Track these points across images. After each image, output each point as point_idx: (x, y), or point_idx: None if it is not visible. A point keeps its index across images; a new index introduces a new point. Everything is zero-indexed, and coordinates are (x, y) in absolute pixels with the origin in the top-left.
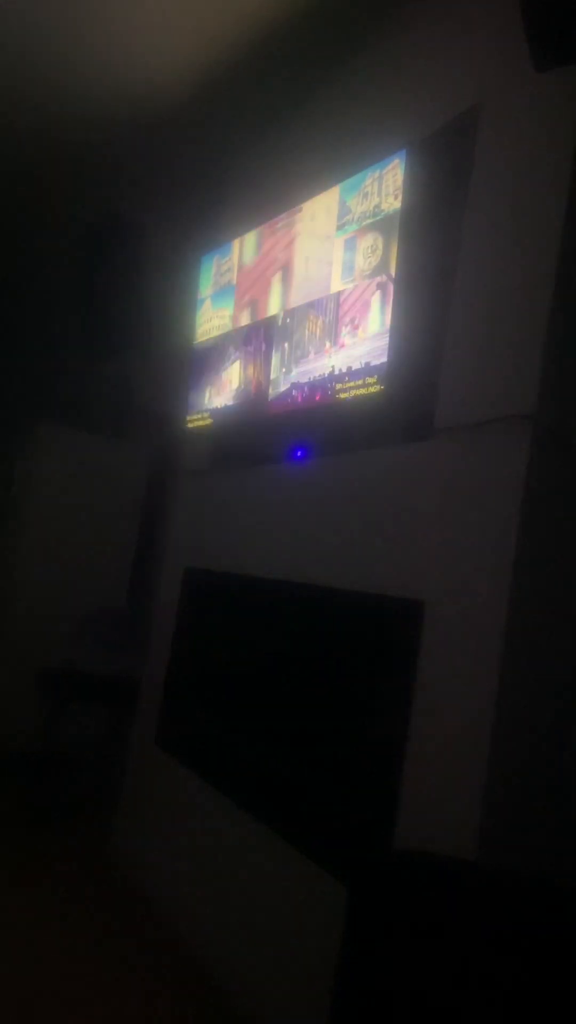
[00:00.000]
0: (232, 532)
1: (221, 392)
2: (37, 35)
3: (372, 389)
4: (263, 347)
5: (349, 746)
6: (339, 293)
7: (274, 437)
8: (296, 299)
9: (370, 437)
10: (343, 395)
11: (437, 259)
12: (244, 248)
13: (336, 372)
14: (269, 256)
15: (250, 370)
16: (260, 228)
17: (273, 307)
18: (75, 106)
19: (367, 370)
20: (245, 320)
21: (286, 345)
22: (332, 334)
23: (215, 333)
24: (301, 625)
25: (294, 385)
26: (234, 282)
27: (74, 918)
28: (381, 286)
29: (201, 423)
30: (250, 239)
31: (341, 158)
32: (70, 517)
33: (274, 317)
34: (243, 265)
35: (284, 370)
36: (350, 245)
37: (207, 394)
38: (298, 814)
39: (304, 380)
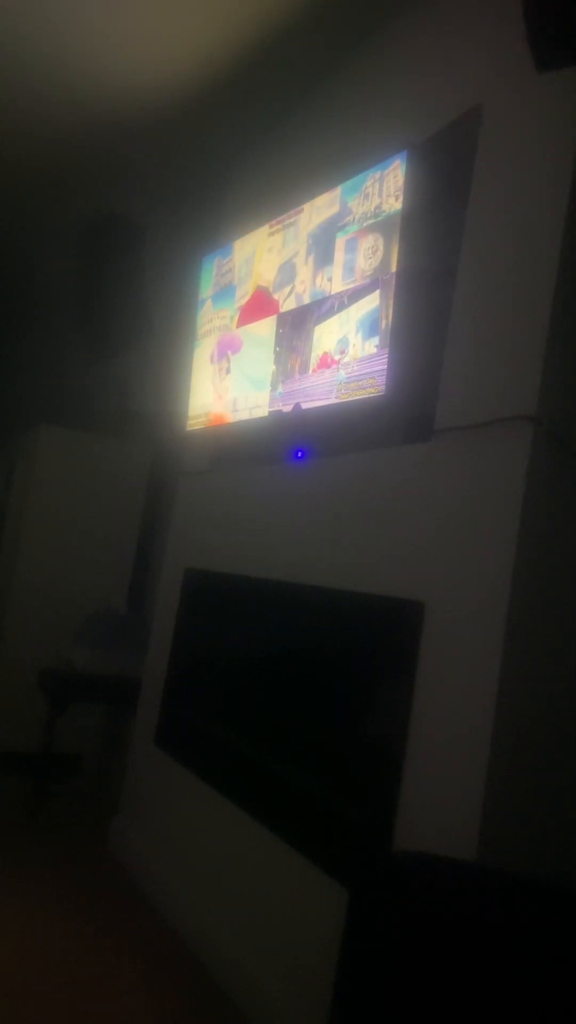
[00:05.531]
0: (232, 533)
1: (221, 393)
2: (37, 35)
3: (373, 390)
4: (264, 348)
5: (349, 747)
6: (340, 293)
7: (274, 438)
8: (296, 300)
9: (371, 438)
10: (344, 396)
11: (438, 260)
12: (245, 249)
13: (336, 373)
14: (270, 257)
15: (250, 371)
16: (261, 228)
17: (274, 308)
18: (76, 107)
19: (368, 371)
20: (245, 321)
21: (286, 346)
22: (332, 335)
23: (216, 334)
24: (301, 626)
25: (294, 386)
26: (235, 283)
27: (74, 918)
28: (383, 287)
29: (201, 423)
30: (251, 240)
31: (342, 159)
32: (70, 517)
33: (274, 318)
34: (244, 266)
35: (284, 371)
36: (351, 246)
37: (207, 394)
38: (298, 815)
39: (304, 381)
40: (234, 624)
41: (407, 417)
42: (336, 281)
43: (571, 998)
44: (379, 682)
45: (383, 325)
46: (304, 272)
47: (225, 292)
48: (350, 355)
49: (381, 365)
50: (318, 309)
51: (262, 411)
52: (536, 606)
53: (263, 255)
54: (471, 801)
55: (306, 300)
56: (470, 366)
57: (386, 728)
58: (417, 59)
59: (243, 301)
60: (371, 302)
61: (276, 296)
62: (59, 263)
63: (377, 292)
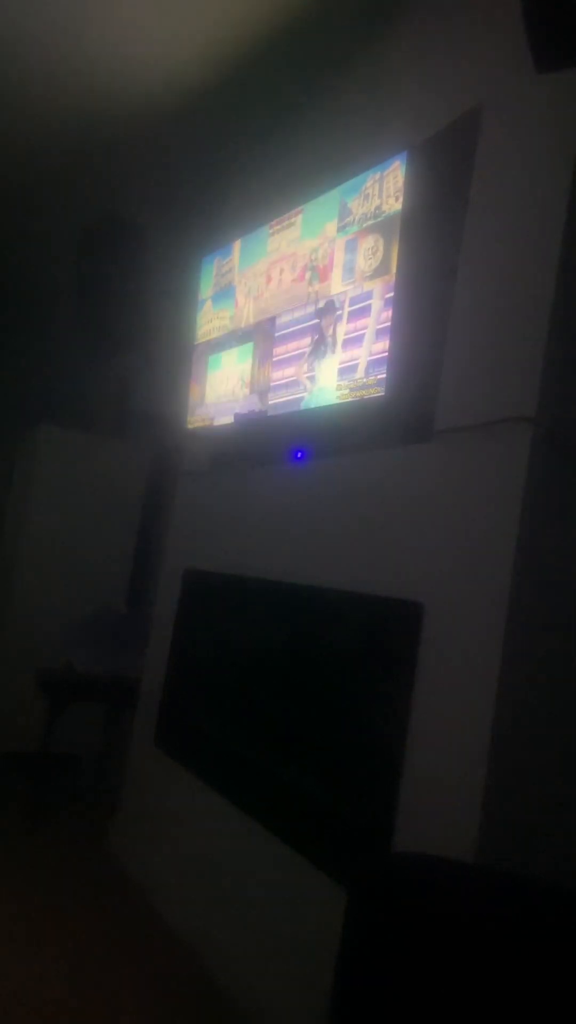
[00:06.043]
0: (232, 533)
1: (221, 393)
2: (37, 36)
3: (372, 391)
4: (263, 349)
5: (348, 747)
6: (340, 294)
7: (274, 438)
8: (296, 301)
9: (370, 439)
10: (343, 397)
11: (438, 261)
12: (245, 249)
13: (336, 374)
14: (270, 258)
15: (250, 372)
16: (261, 229)
17: (273, 309)
18: (76, 107)
19: (367, 372)
20: (245, 322)
21: (286, 347)
22: (332, 336)
23: (216, 334)
24: (300, 626)
25: (294, 386)
26: (235, 283)
27: (73, 918)
28: (382, 288)
29: (201, 424)
30: (251, 240)
31: (342, 160)
32: (70, 517)
33: (274, 319)
34: (244, 266)
35: (284, 371)
36: (351, 246)
37: (207, 395)
38: (297, 815)
39: (304, 382)
40: (233, 624)
41: (407, 417)
42: (336, 282)
43: (571, 998)
44: (378, 683)
45: (384, 326)
46: None
47: (225, 292)
48: (351, 355)
49: (381, 366)
50: (319, 310)
51: (262, 412)
52: (536, 606)
53: None
54: (471, 801)
55: None
56: (470, 367)
57: (386, 729)
58: (417, 60)
59: None
60: (372, 302)
61: None
62: (59, 263)
63: (378, 292)
